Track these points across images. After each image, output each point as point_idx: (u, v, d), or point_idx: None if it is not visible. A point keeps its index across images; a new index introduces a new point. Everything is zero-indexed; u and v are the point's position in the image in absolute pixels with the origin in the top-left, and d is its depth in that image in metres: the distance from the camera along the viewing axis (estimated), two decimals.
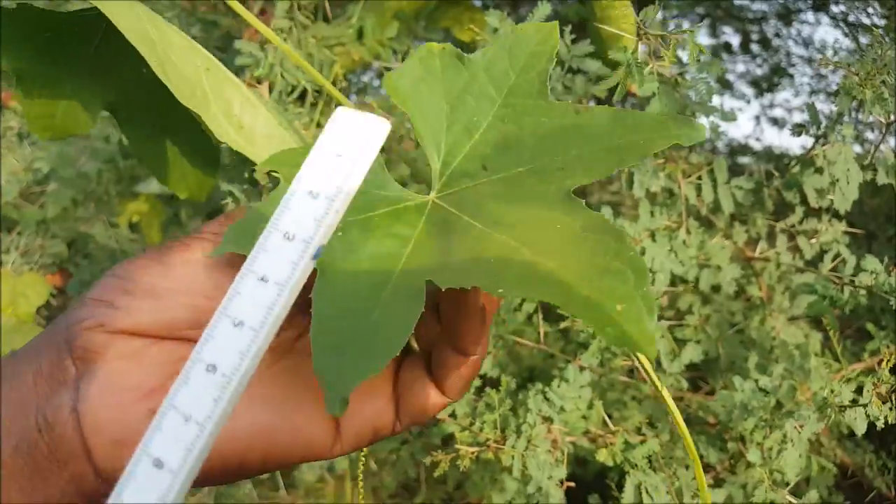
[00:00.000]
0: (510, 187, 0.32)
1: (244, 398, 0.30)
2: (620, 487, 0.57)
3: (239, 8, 0.40)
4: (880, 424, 0.47)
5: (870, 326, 0.69)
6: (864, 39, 1.27)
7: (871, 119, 0.57)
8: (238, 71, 0.66)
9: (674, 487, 0.54)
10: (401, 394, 0.33)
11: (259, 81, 0.71)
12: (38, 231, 1.07)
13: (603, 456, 0.57)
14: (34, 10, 0.39)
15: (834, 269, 0.63)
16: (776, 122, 1.51)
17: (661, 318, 0.69)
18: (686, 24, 1.37)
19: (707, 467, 0.60)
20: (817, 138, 0.61)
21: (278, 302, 0.25)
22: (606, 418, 0.60)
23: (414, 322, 0.27)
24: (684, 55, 0.57)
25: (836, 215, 0.67)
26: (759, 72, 1.53)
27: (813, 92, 1.42)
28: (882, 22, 1.14)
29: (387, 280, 0.29)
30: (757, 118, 1.55)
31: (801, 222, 0.69)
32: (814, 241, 0.68)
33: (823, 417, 0.48)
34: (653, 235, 0.64)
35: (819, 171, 0.61)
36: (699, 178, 0.64)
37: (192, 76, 0.37)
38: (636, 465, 0.54)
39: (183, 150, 0.46)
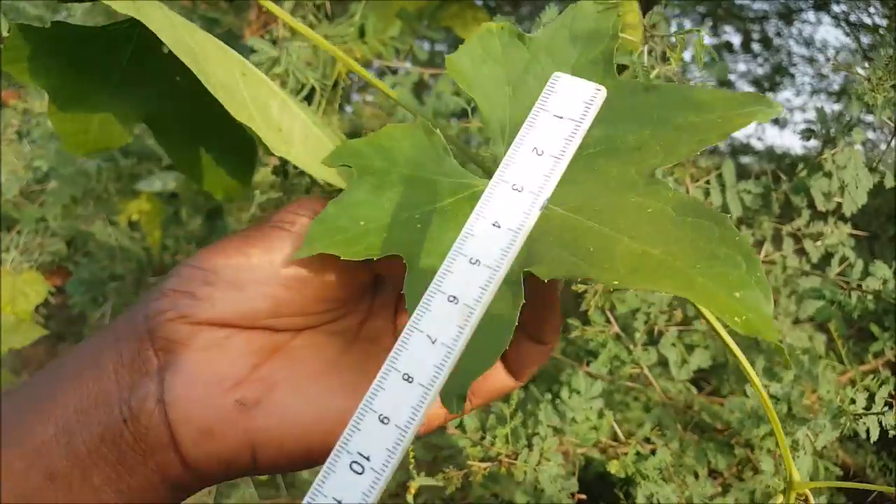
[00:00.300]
0: (585, 170, 0.31)
1: (326, 386, 0.31)
2: (627, 495, 0.57)
3: (270, 5, 0.40)
4: (893, 432, 0.47)
5: (873, 328, 0.69)
6: (865, 39, 1.27)
7: (871, 120, 0.57)
8: None
9: (684, 496, 0.54)
10: None
11: (271, 79, 0.71)
12: (38, 229, 1.07)
13: (615, 468, 0.56)
14: (68, 27, 0.38)
15: (841, 274, 0.63)
16: (778, 122, 1.51)
17: (669, 324, 0.68)
18: (687, 24, 1.37)
19: (715, 473, 0.60)
20: (825, 142, 0.61)
21: (512, 245, 0.26)
22: (617, 429, 0.59)
23: (517, 314, 0.27)
24: (686, 55, 0.57)
25: (842, 218, 0.67)
26: (760, 71, 1.53)
27: (814, 92, 1.42)
28: (884, 22, 1.14)
29: None
30: None
31: (807, 225, 0.68)
32: (819, 243, 0.68)
33: (838, 427, 0.48)
34: None
35: (828, 175, 0.61)
36: (707, 182, 0.64)
37: (230, 82, 0.37)
38: (647, 477, 0.54)
39: (219, 152, 0.46)
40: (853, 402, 0.48)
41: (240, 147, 0.46)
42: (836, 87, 1.38)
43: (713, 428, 0.63)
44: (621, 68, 0.58)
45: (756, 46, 1.51)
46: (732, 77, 1.52)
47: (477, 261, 0.26)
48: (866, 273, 0.60)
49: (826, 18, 1.43)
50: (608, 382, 0.65)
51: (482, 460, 0.55)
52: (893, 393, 0.47)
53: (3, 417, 0.30)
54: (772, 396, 0.52)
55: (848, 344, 0.71)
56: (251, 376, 0.30)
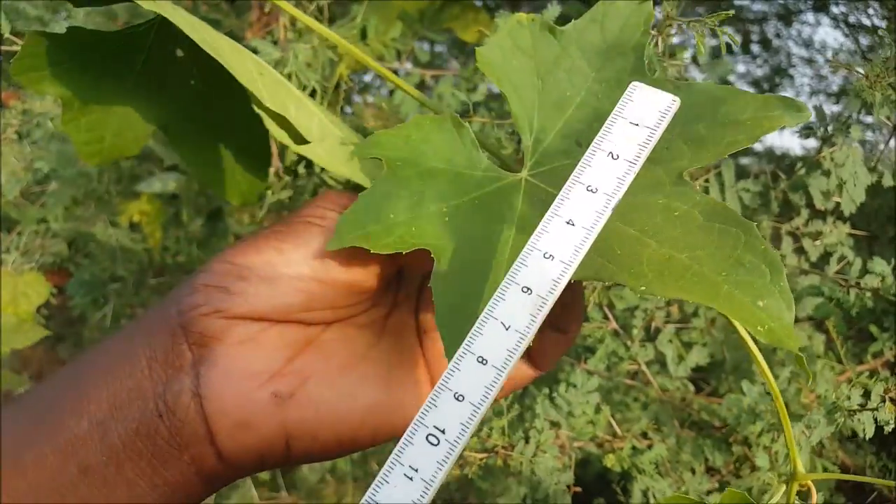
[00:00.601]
0: None
1: (357, 379, 0.32)
2: (625, 491, 0.57)
3: (283, 3, 0.40)
4: (888, 429, 0.47)
5: (872, 328, 0.69)
6: (864, 40, 1.27)
7: (870, 120, 0.57)
8: None
9: (680, 491, 0.54)
10: None
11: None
12: (39, 230, 1.07)
13: (611, 462, 0.56)
14: (84, 33, 0.39)
15: (840, 272, 0.63)
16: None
17: (667, 321, 0.68)
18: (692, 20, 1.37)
19: (712, 470, 0.60)
20: (824, 140, 0.61)
21: (585, 242, 0.27)
22: (614, 423, 0.60)
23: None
24: (687, 55, 0.57)
25: (841, 217, 0.67)
26: (759, 72, 1.53)
27: (813, 92, 1.43)
28: (883, 23, 1.14)
29: (501, 266, 0.29)
30: None
31: (806, 224, 0.68)
32: (818, 242, 0.68)
33: (833, 422, 0.48)
34: None
35: (826, 173, 0.61)
36: (707, 181, 0.64)
37: (250, 81, 0.37)
38: (643, 471, 0.54)
39: (234, 157, 0.46)
40: (848, 398, 0.48)
41: (254, 149, 0.47)
42: (835, 87, 1.38)
43: (710, 425, 0.63)
44: None
45: (755, 47, 1.51)
46: (732, 78, 1.52)
47: (551, 255, 0.27)
48: (865, 271, 0.60)
49: (825, 20, 1.43)
50: (605, 379, 0.65)
51: (478, 452, 0.55)
52: (889, 389, 0.47)
53: (33, 413, 0.31)
54: (767, 394, 0.52)
55: (847, 345, 0.71)
56: (285, 369, 0.31)
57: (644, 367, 0.65)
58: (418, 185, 0.32)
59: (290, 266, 0.31)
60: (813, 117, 0.61)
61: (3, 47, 0.65)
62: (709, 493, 0.57)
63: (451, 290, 0.29)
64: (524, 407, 0.60)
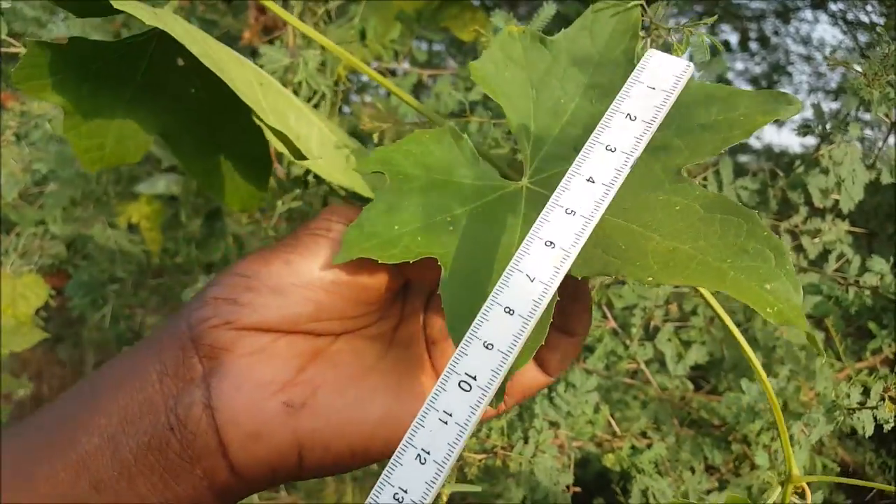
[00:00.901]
0: None
1: (367, 389, 0.32)
2: (625, 491, 0.57)
3: (281, 11, 0.40)
4: (888, 427, 0.47)
5: (871, 325, 0.69)
6: (862, 37, 1.27)
7: (869, 117, 0.57)
8: None
9: (679, 491, 0.54)
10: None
11: (284, 86, 0.71)
12: (38, 232, 1.07)
13: (610, 461, 0.56)
14: (86, 44, 0.39)
15: (839, 270, 0.63)
16: (775, 120, 1.51)
17: (666, 319, 0.68)
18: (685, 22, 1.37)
19: (711, 469, 0.60)
20: (822, 138, 0.61)
21: (605, 199, 0.29)
22: (613, 422, 0.60)
23: (551, 313, 0.28)
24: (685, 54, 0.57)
25: (839, 215, 0.67)
26: (757, 70, 1.53)
27: (812, 90, 1.43)
28: (881, 20, 1.14)
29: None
30: None
31: (804, 222, 0.68)
32: (817, 240, 0.68)
33: (832, 420, 0.48)
34: None
35: (824, 171, 0.61)
36: (705, 178, 0.64)
37: (250, 93, 0.37)
38: (643, 470, 0.54)
39: (235, 164, 0.46)
40: (848, 396, 0.48)
41: (254, 157, 0.47)
42: (833, 84, 1.38)
43: (709, 424, 0.63)
44: None
45: (753, 45, 1.51)
46: (730, 76, 1.53)
47: (573, 211, 0.28)
48: (864, 269, 0.60)
49: (823, 17, 1.43)
50: (604, 378, 0.65)
51: (477, 452, 0.55)
52: (888, 387, 0.47)
53: (45, 430, 0.31)
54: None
55: (846, 342, 0.71)
56: (295, 379, 0.31)
57: (643, 366, 0.65)
58: (421, 196, 0.33)
59: (299, 277, 0.32)
60: (811, 115, 0.61)
61: (2, 49, 0.65)
62: (708, 492, 0.57)
63: (459, 297, 0.29)
64: (523, 407, 0.60)
